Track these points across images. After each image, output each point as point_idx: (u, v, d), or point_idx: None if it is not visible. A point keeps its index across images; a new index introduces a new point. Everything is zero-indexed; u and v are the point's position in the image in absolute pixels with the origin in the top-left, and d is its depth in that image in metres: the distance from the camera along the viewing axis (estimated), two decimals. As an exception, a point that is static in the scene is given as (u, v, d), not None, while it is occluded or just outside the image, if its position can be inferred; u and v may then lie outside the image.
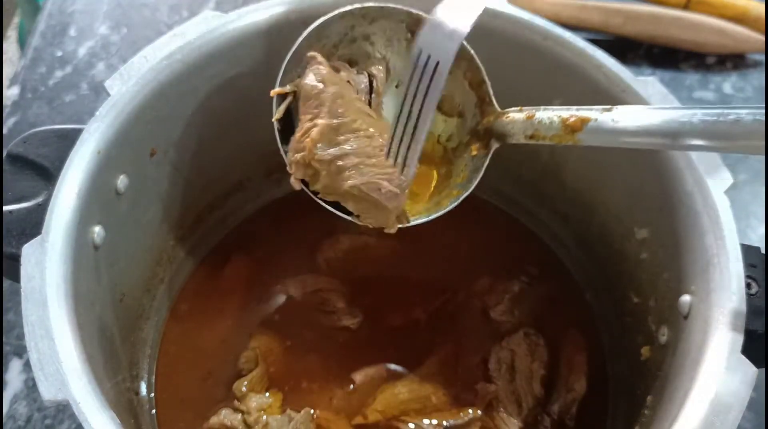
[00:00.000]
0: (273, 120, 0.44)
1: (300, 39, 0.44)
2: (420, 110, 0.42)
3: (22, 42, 1.46)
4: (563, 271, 0.59)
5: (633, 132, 0.39)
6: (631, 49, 0.80)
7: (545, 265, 0.58)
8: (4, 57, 1.59)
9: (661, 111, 0.38)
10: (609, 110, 0.40)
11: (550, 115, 0.42)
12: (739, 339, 0.37)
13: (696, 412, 0.36)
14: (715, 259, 0.40)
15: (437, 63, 0.41)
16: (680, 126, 0.37)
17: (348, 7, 0.45)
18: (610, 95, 0.48)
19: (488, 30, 0.50)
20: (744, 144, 0.35)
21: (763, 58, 0.80)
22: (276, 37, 0.50)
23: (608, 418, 0.51)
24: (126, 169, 0.46)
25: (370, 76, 0.46)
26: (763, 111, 0.34)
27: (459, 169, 0.48)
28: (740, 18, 0.79)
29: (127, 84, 0.45)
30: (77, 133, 0.44)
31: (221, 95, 0.51)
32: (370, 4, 0.46)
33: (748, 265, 0.41)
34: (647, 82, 0.47)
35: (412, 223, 0.46)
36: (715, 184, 0.43)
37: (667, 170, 0.45)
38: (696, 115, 0.36)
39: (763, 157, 0.72)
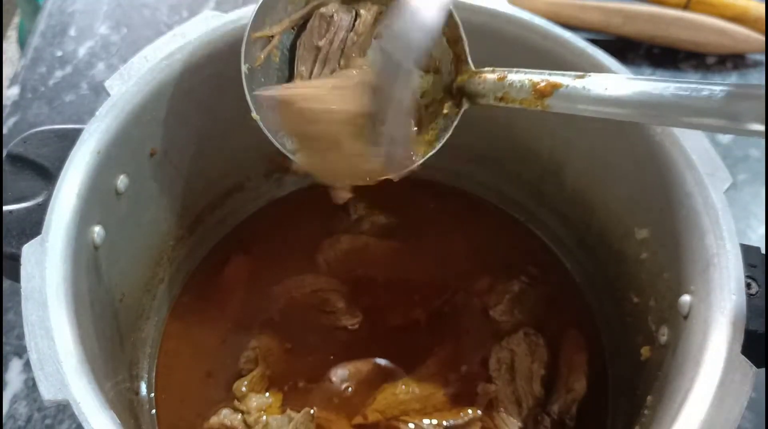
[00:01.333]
0: (254, 65, 0.45)
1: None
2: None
3: (22, 42, 1.46)
4: (563, 271, 0.59)
5: (603, 101, 0.39)
6: (631, 49, 0.80)
7: (545, 265, 0.58)
8: (4, 57, 1.59)
9: (635, 81, 0.38)
10: (581, 77, 0.40)
11: (522, 77, 0.42)
12: (739, 339, 0.37)
13: (696, 412, 0.36)
14: (715, 259, 0.40)
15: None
16: (651, 98, 0.37)
17: None
18: (610, 95, 0.48)
19: (488, 30, 0.50)
20: (713, 122, 0.35)
21: (763, 58, 0.80)
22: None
23: (608, 418, 0.51)
24: (126, 169, 0.46)
25: (357, 14, 0.46)
26: (732, 88, 0.34)
27: (428, 126, 0.47)
28: (740, 18, 0.79)
29: (127, 84, 0.46)
30: (77, 133, 0.44)
31: (221, 95, 0.51)
32: None
33: (748, 265, 0.41)
34: (647, 82, 0.47)
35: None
36: (715, 184, 0.43)
37: (667, 170, 0.45)
38: (668, 88, 0.36)
39: (762, 158, 0.72)
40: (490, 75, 0.44)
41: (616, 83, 0.38)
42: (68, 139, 0.43)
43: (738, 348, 0.37)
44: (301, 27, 0.47)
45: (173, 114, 0.49)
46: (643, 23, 0.78)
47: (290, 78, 0.47)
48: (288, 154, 0.45)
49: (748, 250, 0.41)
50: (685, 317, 0.42)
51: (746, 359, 0.37)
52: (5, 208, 0.43)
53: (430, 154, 0.46)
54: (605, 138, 0.50)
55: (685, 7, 0.79)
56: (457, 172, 0.61)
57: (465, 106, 0.45)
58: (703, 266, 0.41)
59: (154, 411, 0.51)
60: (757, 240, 0.66)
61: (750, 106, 0.33)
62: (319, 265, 0.58)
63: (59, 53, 0.79)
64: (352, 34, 0.46)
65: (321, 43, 0.46)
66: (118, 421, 0.36)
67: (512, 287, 0.56)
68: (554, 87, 0.40)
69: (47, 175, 0.44)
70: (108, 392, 0.39)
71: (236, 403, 0.50)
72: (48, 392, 0.35)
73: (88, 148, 0.43)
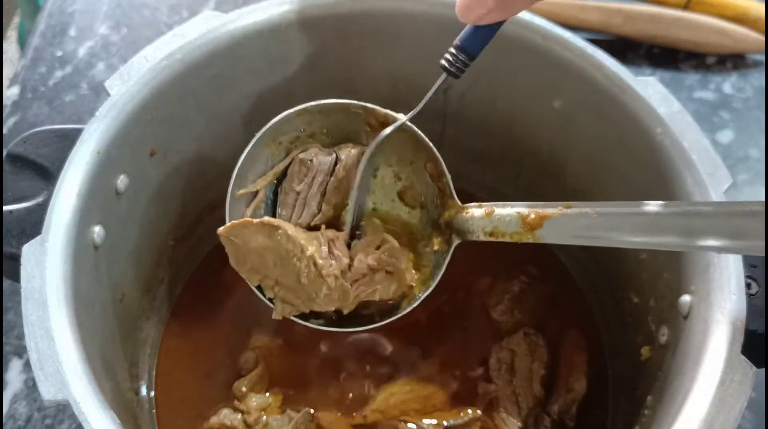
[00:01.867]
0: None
1: (256, 137, 0.45)
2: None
3: (22, 42, 1.46)
4: (563, 271, 0.59)
5: (594, 229, 0.38)
6: (631, 49, 0.80)
7: (545, 265, 0.58)
8: (4, 57, 1.59)
9: (618, 208, 0.37)
10: (569, 207, 0.39)
11: (510, 211, 0.41)
12: (739, 339, 0.37)
13: (696, 412, 0.36)
14: (715, 260, 0.40)
15: None
16: (645, 222, 0.36)
17: (304, 105, 0.45)
18: (610, 95, 0.48)
19: (488, 30, 0.50)
20: (701, 241, 0.34)
21: (763, 58, 0.80)
22: (276, 37, 0.50)
23: (608, 418, 0.51)
24: (126, 169, 0.46)
25: (337, 158, 0.46)
26: (718, 207, 0.33)
27: (422, 263, 0.47)
28: (740, 18, 0.79)
29: (127, 84, 0.46)
30: (77, 133, 0.44)
31: (221, 95, 0.51)
32: (325, 101, 0.45)
33: (748, 265, 0.41)
34: (647, 82, 0.47)
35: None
36: (715, 184, 0.43)
37: (667, 171, 0.45)
38: (659, 213, 0.35)
39: (762, 158, 0.72)
40: (477, 210, 0.43)
41: (607, 211, 0.38)
42: (68, 139, 0.44)
43: (738, 348, 0.37)
44: (283, 174, 0.47)
45: (173, 114, 0.49)
46: (643, 23, 0.78)
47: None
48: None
49: (748, 250, 0.41)
50: (685, 317, 0.42)
51: (746, 359, 0.37)
52: (5, 208, 0.43)
53: (426, 293, 0.46)
54: (605, 138, 0.50)
55: (685, 7, 0.79)
56: (457, 172, 0.61)
57: (455, 241, 0.45)
58: (703, 266, 0.41)
59: (154, 411, 0.51)
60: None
61: (753, 225, 0.32)
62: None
63: (59, 53, 0.79)
64: (332, 178, 0.46)
65: (299, 188, 0.46)
66: (118, 421, 0.36)
67: (512, 287, 0.56)
68: (543, 218, 0.40)
69: (47, 175, 0.44)
70: (108, 392, 0.39)
71: (236, 403, 0.50)
72: (48, 392, 0.35)
73: (88, 148, 0.43)
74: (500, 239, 0.42)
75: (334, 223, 0.47)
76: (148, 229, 0.51)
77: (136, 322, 0.52)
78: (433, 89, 0.44)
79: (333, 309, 0.44)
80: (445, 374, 0.52)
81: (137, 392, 0.50)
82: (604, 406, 0.52)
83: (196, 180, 0.54)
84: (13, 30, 1.67)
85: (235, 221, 0.43)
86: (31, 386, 0.57)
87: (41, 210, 0.41)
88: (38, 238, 0.39)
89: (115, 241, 0.45)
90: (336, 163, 0.46)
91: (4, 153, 0.46)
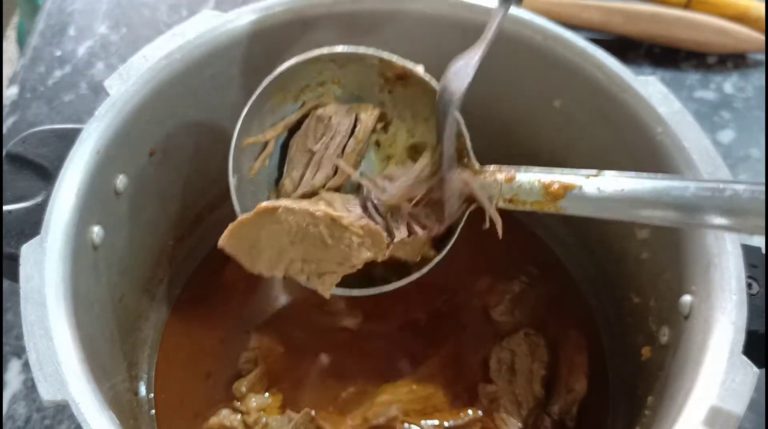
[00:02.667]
0: (251, 174, 0.43)
1: (265, 83, 0.43)
2: None
3: (22, 42, 1.46)
4: (563, 271, 0.59)
5: (620, 202, 0.37)
6: (632, 48, 0.80)
7: (545, 265, 0.58)
8: (4, 57, 1.59)
9: (652, 181, 0.36)
10: (595, 176, 0.38)
11: (531, 178, 0.40)
12: (740, 339, 0.37)
13: (697, 412, 0.36)
14: (716, 260, 0.40)
15: None
16: (672, 200, 0.35)
17: (316, 52, 0.43)
18: (611, 95, 0.48)
19: (488, 29, 0.50)
20: (739, 222, 0.33)
21: (763, 57, 0.80)
22: (275, 37, 0.50)
23: (608, 418, 0.51)
24: (125, 169, 0.46)
25: (357, 119, 0.45)
26: (763, 187, 0.32)
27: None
28: (741, 18, 0.78)
29: (126, 84, 0.45)
30: (76, 132, 0.43)
31: (221, 95, 0.51)
32: (340, 49, 0.43)
33: (749, 265, 0.40)
34: (648, 82, 0.47)
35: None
36: (715, 184, 0.43)
37: (667, 171, 0.45)
38: (689, 188, 0.34)
39: (763, 158, 0.72)
40: (498, 175, 0.41)
41: (632, 183, 0.37)
42: (67, 139, 0.43)
43: (739, 348, 0.37)
44: (294, 126, 0.45)
45: (173, 114, 0.49)
46: (643, 23, 0.78)
47: (279, 177, 0.45)
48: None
49: (748, 251, 0.41)
50: (686, 317, 0.42)
51: (747, 360, 0.37)
52: (4, 208, 0.43)
53: (438, 259, 0.44)
54: (605, 138, 0.50)
55: (686, 6, 0.79)
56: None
57: (471, 206, 0.43)
58: (704, 266, 0.41)
59: (153, 411, 0.51)
60: (757, 240, 0.66)
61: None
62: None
63: (58, 53, 0.79)
64: (351, 139, 0.44)
65: (316, 148, 0.44)
66: (118, 421, 0.36)
67: (512, 287, 0.56)
68: (567, 189, 0.39)
69: (46, 174, 0.44)
70: (107, 392, 0.39)
71: (236, 403, 0.50)
72: (47, 393, 0.35)
73: (88, 148, 0.43)
74: (519, 208, 0.41)
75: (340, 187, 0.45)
76: (148, 229, 0.51)
77: (135, 322, 0.51)
78: (491, 29, 0.42)
79: (370, 257, 0.41)
80: (445, 374, 0.52)
81: (137, 392, 0.50)
82: (605, 407, 0.52)
83: (195, 180, 0.54)
84: (12, 30, 1.67)
85: (230, 226, 0.41)
86: (30, 386, 0.57)
87: (40, 210, 0.41)
88: (37, 238, 0.39)
89: (114, 241, 0.45)
90: (356, 125, 0.44)
91: (4, 153, 0.46)
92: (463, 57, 0.42)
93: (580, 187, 0.38)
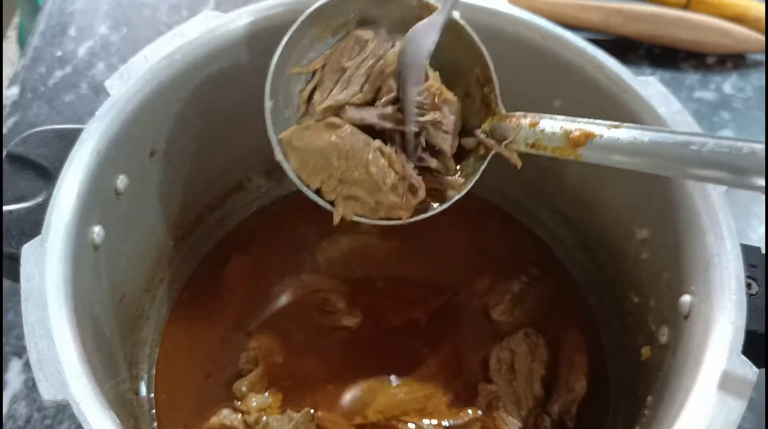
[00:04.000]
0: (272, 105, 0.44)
1: (304, 16, 0.44)
2: None
3: (22, 42, 1.46)
4: (563, 271, 0.59)
5: (639, 153, 0.38)
6: (631, 48, 0.80)
7: (545, 265, 0.58)
8: (4, 57, 1.59)
9: (671, 135, 0.37)
10: (616, 127, 0.39)
11: (554, 125, 0.41)
12: (740, 339, 0.37)
13: (696, 412, 0.36)
14: (716, 259, 0.40)
15: None
16: (691, 154, 0.35)
17: None
18: (611, 95, 0.48)
19: (488, 30, 0.50)
20: (755, 180, 0.33)
21: (763, 57, 0.80)
22: (276, 37, 0.50)
23: (608, 418, 0.51)
24: (126, 169, 0.46)
25: (392, 45, 0.45)
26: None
27: (456, 167, 0.47)
28: (740, 18, 0.78)
29: (126, 84, 0.45)
30: (77, 133, 0.43)
31: (221, 95, 0.51)
32: None
33: (749, 265, 0.41)
34: (647, 82, 0.47)
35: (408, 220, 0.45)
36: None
37: (667, 170, 0.45)
38: (707, 144, 0.35)
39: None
40: (522, 120, 0.43)
41: (652, 136, 0.37)
42: (68, 139, 0.43)
43: (738, 348, 0.37)
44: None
45: (173, 114, 0.49)
46: (643, 23, 0.78)
47: (310, 100, 0.46)
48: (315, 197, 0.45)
49: (748, 250, 0.41)
50: (686, 317, 0.42)
51: (747, 359, 0.37)
52: (5, 208, 0.43)
53: (458, 197, 0.46)
54: (605, 138, 0.50)
55: (686, 6, 0.79)
56: (457, 172, 0.61)
57: (495, 148, 0.45)
58: (704, 266, 0.41)
59: (153, 411, 0.51)
60: (757, 240, 0.66)
61: None
62: (319, 265, 0.58)
63: (59, 53, 0.79)
64: (381, 62, 0.45)
65: (348, 64, 0.45)
66: (118, 421, 0.36)
67: (512, 287, 0.56)
68: (588, 137, 0.39)
69: (47, 175, 0.44)
70: (108, 392, 0.39)
71: (236, 403, 0.50)
72: (48, 392, 0.35)
73: (88, 148, 0.43)
74: (541, 152, 0.42)
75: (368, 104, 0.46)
76: (148, 229, 0.51)
77: (136, 322, 0.52)
78: None
79: (395, 203, 0.44)
80: (445, 374, 0.52)
81: (137, 392, 0.50)
82: (605, 406, 0.52)
83: (196, 180, 0.54)
84: (13, 30, 1.67)
85: (293, 127, 0.44)
86: (30, 386, 0.57)
87: (41, 210, 0.41)
88: (38, 238, 0.39)
89: (115, 241, 0.45)
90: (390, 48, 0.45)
91: (4, 153, 0.46)
92: (428, 19, 0.44)
93: (601, 136, 0.39)
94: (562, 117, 0.42)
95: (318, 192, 0.45)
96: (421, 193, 0.45)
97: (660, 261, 0.47)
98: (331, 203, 0.45)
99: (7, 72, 1.35)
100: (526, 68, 0.51)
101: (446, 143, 0.45)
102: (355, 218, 0.45)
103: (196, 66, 0.48)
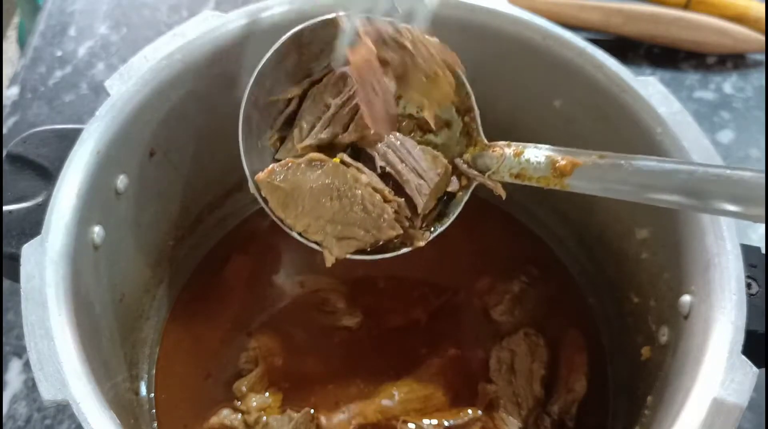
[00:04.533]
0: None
1: (280, 41, 0.44)
2: None
3: (22, 42, 1.46)
4: (563, 271, 0.59)
5: (626, 183, 0.37)
6: (631, 48, 0.80)
7: (545, 265, 0.58)
8: (4, 57, 1.59)
9: (660, 164, 0.36)
10: (602, 157, 0.38)
11: (539, 154, 0.40)
12: (740, 339, 0.37)
13: (696, 412, 0.36)
14: (716, 260, 0.40)
15: None
16: (679, 183, 0.35)
17: (331, 15, 0.44)
18: (611, 95, 0.48)
19: (488, 30, 0.50)
20: (744, 208, 0.33)
21: (763, 57, 0.80)
22: (276, 37, 0.50)
23: (608, 418, 0.51)
24: (126, 169, 0.46)
25: None
26: (763, 174, 0.32)
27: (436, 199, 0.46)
28: (740, 18, 0.78)
29: (126, 84, 0.45)
30: (77, 133, 0.44)
31: (221, 95, 0.51)
32: (363, 16, 0.43)
33: (749, 265, 0.41)
34: (647, 82, 0.47)
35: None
36: (715, 184, 0.43)
37: (667, 170, 0.45)
38: (696, 172, 0.35)
39: (763, 158, 0.72)
40: (507, 149, 0.42)
41: (641, 165, 0.37)
42: (68, 139, 0.43)
43: (738, 348, 0.37)
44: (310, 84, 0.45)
45: (173, 114, 0.49)
46: (643, 23, 0.78)
47: (286, 126, 0.46)
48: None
49: (748, 250, 0.41)
50: (686, 317, 0.42)
51: (746, 359, 0.37)
52: (5, 208, 0.43)
53: (439, 231, 0.45)
54: (605, 138, 0.50)
55: (686, 6, 0.79)
56: (457, 172, 0.61)
57: (477, 179, 0.44)
58: (704, 266, 0.41)
59: (153, 411, 0.51)
60: (757, 240, 0.66)
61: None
62: (319, 265, 0.57)
63: (59, 53, 0.79)
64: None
65: (332, 101, 0.44)
66: (118, 421, 0.36)
67: (512, 287, 0.56)
68: (574, 165, 0.39)
69: (47, 175, 0.44)
70: (108, 392, 0.39)
71: (236, 403, 0.50)
72: (48, 392, 0.35)
73: (88, 148, 0.43)
74: (526, 182, 0.41)
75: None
76: (148, 229, 0.51)
77: (136, 322, 0.51)
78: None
79: (397, 233, 0.43)
80: (445, 374, 0.52)
81: (137, 392, 0.50)
82: (605, 406, 0.52)
83: (196, 180, 0.54)
84: (13, 30, 1.67)
85: (271, 166, 0.42)
86: (30, 386, 0.57)
87: (41, 210, 0.41)
88: (38, 238, 0.39)
89: (114, 241, 0.45)
90: None
91: (4, 153, 0.46)
92: None
93: (587, 165, 0.39)
94: (547, 146, 0.41)
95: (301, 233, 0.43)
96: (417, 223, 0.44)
97: (660, 261, 0.47)
98: (317, 243, 0.43)
99: (7, 72, 1.35)
100: (526, 68, 0.51)
101: (419, 200, 0.44)
102: (348, 256, 0.43)
103: (196, 66, 0.48)
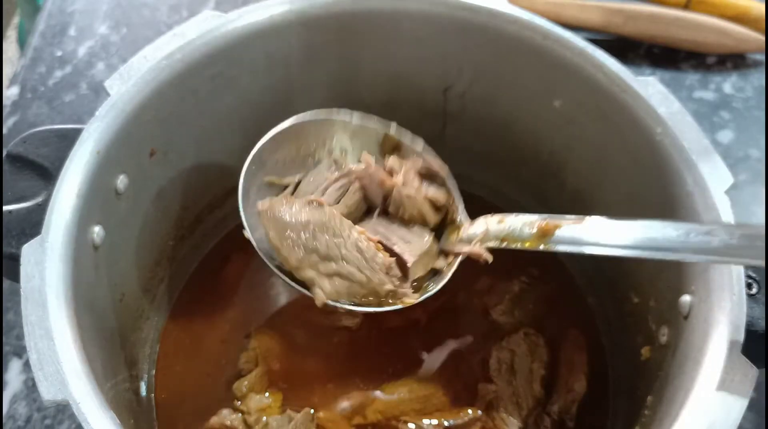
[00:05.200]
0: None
1: (277, 129, 0.47)
2: None
3: (22, 42, 1.46)
4: (563, 272, 0.59)
5: (606, 243, 0.41)
6: (632, 48, 0.80)
7: (545, 265, 0.58)
8: (4, 57, 1.59)
9: (637, 225, 0.40)
10: (580, 220, 0.42)
11: (521, 220, 0.44)
12: (740, 339, 0.37)
13: (696, 412, 0.36)
14: (716, 259, 0.40)
15: None
16: (658, 244, 0.39)
17: (337, 116, 0.48)
18: (611, 95, 0.48)
19: (488, 30, 0.50)
20: (728, 260, 0.37)
21: (763, 57, 0.80)
22: (276, 37, 0.50)
23: (608, 418, 0.51)
24: (126, 169, 0.46)
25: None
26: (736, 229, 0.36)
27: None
28: (740, 18, 0.78)
29: (126, 84, 0.45)
30: (77, 133, 0.43)
31: (221, 95, 0.51)
32: (356, 120, 0.48)
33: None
34: (647, 82, 0.47)
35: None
36: (715, 184, 0.43)
37: (667, 170, 0.45)
38: (670, 232, 0.38)
39: (763, 158, 0.72)
40: (490, 218, 0.46)
41: (618, 228, 0.40)
42: (68, 139, 0.43)
43: (738, 348, 0.37)
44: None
45: (173, 114, 0.49)
46: (643, 23, 0.78)
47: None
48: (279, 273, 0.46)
49: (748, 250, 0.41)
50: (686, 317, 0.42)
51: (747, 359, 0.37)
52: (5, 208, 0.43)
53: (431, 293, 0.47)
54: (605, 138, 0.50)
55: (686, 6, 0.79)
56: (458, 172, 0.61)
57: (463, 254, 0.47)
58: (704, 266, 0.41)
59: (154, 411, 0.51)
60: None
61: (751, 246, 0.35)
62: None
63: (59, 53, 0.79)
64: (357, 182, 0.48)
65: (322, 176, 0.48)
66: (118, 421, 0.36)
67: (512, 287, 0.56)
68: (556, 227, 0.42)
69: (47, 175, 0.44)
70: (108, 392, 0.39)
71: (236, 403, 0.50)
72: (48, 392, 0.35)
73: (88, 148, 0.43)
74: (512, 246, 0.44)
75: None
76: (148, 229, 0.51)
77: (136, 322, 0.51)
78: None
79: (389, 287, 0.45)
80: (445, 374, 0.52)
81: (137, 392, 0.50)
82: (604, 406, 0.52)
83: (196, 180, 0.54)
84: (13, 30, 1.67)
85: (276, 197, 0.45)
86: (30, 386, 0.57)
87: (41, 210, 0.41)
88: (38, 238, 0.39)
89: (115, 241, 0.45)
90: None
91: (4, 153, 0.46)
92: None
93: (565, 227, 0.42)
94: (528, 214, 0.44)
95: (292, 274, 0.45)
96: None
97: (660, 261, 0.47)
98: (304, 285, 0.45)
99: (7, 72, 1.35)
100: (526, 68, 0.51)
101: (408, 257, 0.47)
102: (339, 304, 0.45)
103: (196, 66, 0.48)
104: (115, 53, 0.79)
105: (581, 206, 0.56)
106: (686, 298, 0.42)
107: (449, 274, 0.47)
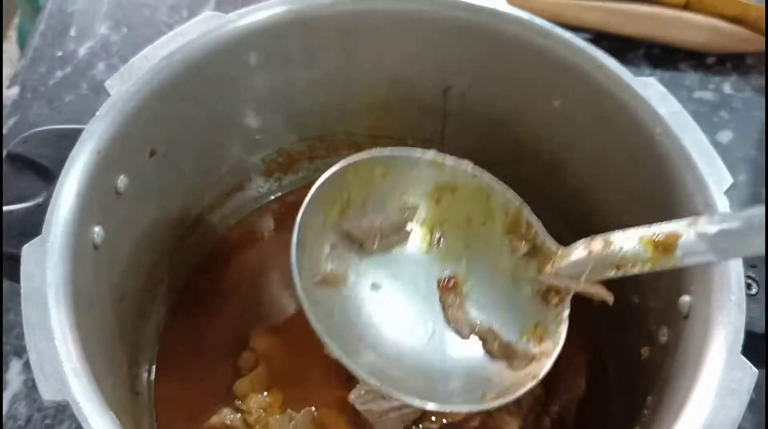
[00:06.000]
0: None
1: (311, 193, 0.44)
2: None
3: (22, 42, 1.46)
4: (563, 271, 0.58)
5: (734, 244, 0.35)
6: (631, 49, 0.80)
7: (545, 265, 0.58)
8: (4, 57, 1.59)
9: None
10: (694, 223, 0.36)
11: (630, 235, 0.38)
12: (739, 340, 0.37)
13: (696, 413, 0.36)
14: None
15: None
16: None
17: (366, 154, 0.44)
18: (611, 95, 0.48)
19: (488, 30, 0.50)
20: None
21: (763, 58, 0.80)
22: (276, 37, 0.50)
23: (608, 418, 0.51)
24: (126, 169, 0.46)
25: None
26: None
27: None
28: (740, 18, 0.78)
29: (127, 84, 0.45)
30: (77, 133, 0.43)
31: (221, 95, 0.51)
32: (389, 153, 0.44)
33: (748, 265, 0.41)
34: (647, 83, 0.47)
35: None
36: (715, 184, 0.43)
37: (667, 170, 0.45)
38: None
39: (763, 158, 0.72)
40: (593, 244, 0.39)
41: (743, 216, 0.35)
42: (68, 139, 0.43)
43: (738, 349, 0.37)
44: None
45: (173, 114, 0.49)
46: (643, 23, 0.78)
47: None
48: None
49: (748, 251, 0.41)
50: (686, 317, 0.42)
51: (746, 360, 0.37)
52: (5, 208, 0.43)
53: (554, 357, 0.42)
54: (605, 138, 0.50)
55: (685, 7, 0.79)
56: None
57: (573, 289, 0.42)
58: (704, 266, 0.41)
59: (154, 411, 0.51)
60: (757, 240, 0.66)
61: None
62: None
63: (59, 53, 0.79)
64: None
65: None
66: (118, 421, 0.36)
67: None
68: (675, 237, 0.37)
69: (47, 175, 0.44)
70: (108, 392, 0.39)
71: (236, 402, 0.50)
72: (48, 393, 0.35)
73: (88, 148, 0.43)
74: (631, 271, 0.39)
75: None
76: (148, 229, 0.51)
77: (136, 321, 0.51)
78: None
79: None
80: (445, 374, 0.52)
81: (137, 392, 0.50)
82: (604, 406, 0.52)
83: (196, 180, 0.54)
84: (13, 30, 1.67)
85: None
86: (30, 386, 0.57)
87: (41, 210, 0.41)
88: (38, 238, 0.39)
89: (115, 241, 0.45)
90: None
91: (4, 153, 0.46)
92: None
93: (686, 235, 0.36)
94: (633, 228, 0.39)
95: None
96: None
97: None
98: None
99: (7, 72, 1.35)
100: (526, 68, 0.51)
101: None
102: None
103: (196, 66, 0.48)
104: (116, 53, 0.79)
105: (581, 206, 0.56)
106: (686, 299, 0.42)
107: (565, 325, 0.43)
